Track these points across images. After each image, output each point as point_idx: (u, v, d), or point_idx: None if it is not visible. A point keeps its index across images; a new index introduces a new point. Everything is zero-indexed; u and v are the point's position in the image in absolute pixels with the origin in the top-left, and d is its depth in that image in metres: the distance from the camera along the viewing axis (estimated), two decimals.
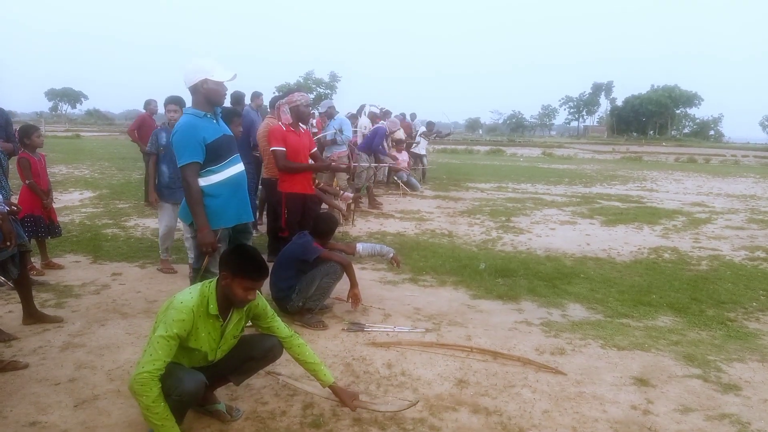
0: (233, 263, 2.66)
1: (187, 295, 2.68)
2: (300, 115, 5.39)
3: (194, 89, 3.64)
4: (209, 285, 2.75)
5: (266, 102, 8.68)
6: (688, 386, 3.50)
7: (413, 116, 18.06)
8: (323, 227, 4.61)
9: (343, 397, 2.93)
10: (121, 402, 3.10)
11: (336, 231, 4.59)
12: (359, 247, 4.90)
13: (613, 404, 3.25)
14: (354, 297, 4.50)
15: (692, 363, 3.84)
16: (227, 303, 2.74)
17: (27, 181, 5.45)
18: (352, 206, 8.08)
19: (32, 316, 4.20)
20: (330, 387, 2.93)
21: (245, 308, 2.85)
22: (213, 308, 2.70)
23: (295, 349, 2.95)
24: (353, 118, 12.06)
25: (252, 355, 2.94)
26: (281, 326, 2.99)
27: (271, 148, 5.31)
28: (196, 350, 2.70)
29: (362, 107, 12.58)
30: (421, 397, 3.25)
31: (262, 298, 2.97)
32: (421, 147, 14.62)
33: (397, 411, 3.01)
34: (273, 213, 6.13)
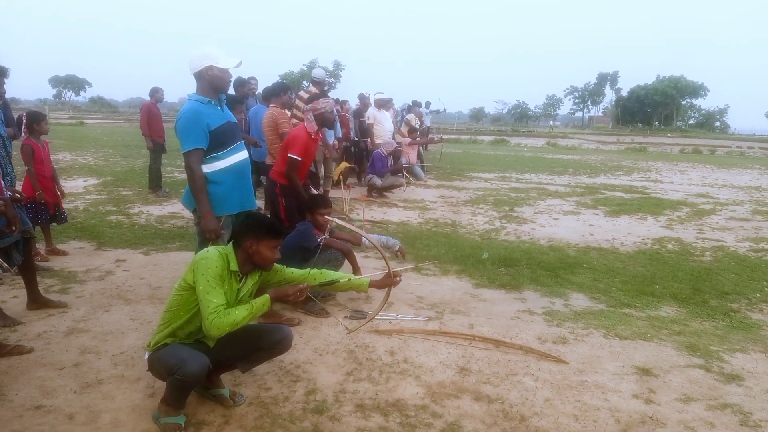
0: (255, 228, 2.79)
1: (206, 252, 2.77)
2: (325, 122, 5.28)
3: (199, 76, 3.62)
4: (226, 247, 2.84)
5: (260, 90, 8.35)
6: (690, 376, 3.51)
7: (428, 104, 17.96)
8: (307, 204, 4.63)
9: (384, 284, 3.13)
10: (125, 386, 3.12)
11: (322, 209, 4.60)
12: (364, 238, 4.89)
13: (614, 393, 3.26)
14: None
15: (694, 353, 3.84)
16: (245, 270, 2.85)
17: (27, 168, 5.45)
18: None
19: (37, 301, 4.22)
20: (371, 287, 3.11)
21: (258, 275, 2.94)
22: (233, 265, 2.79)
23: (318, 278, 3.05)
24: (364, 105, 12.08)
25: (260, 346, 2.97)
26: (293, 271, 3.07)
27: (290, 155, 5.11)
28: None
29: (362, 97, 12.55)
30: (423, 385, 3.26)
31: None
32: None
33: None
34: (272, 204, 6.11)
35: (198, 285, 2.65)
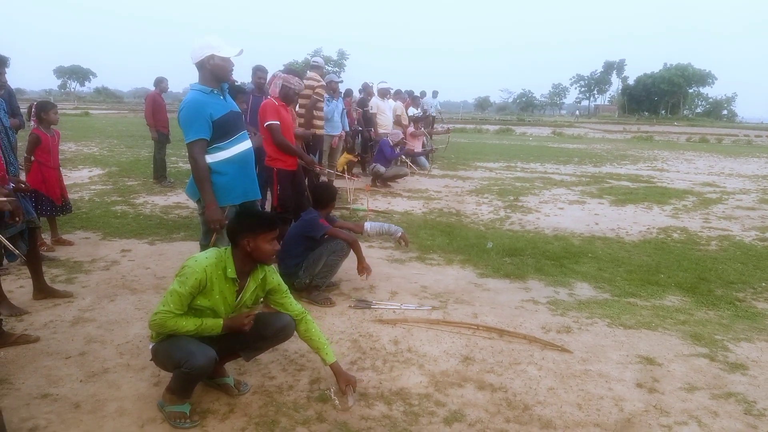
0: (250, 225, 2.76)
1: (203, 256, 2.76)
2: (287, 97, 5.37)
3: (200, 65, 3.61)
4: (226, 250, 2.82)
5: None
6: (694, 365, 3.50)
7: (435, 93, 17.76)
8: (321, 196, 4.62)
9: (339, 379, 2.98)
10: (130, 375, 3.14)
11: (336, 201, 4.57)
12: (367, 225, 4.89)
13: (618, 382, 3.26)
14: (363, 269, 4.46)
15: (699, 342, 3.83)
16: (246, 269, 2.83)
17: (25, 155, 5.45)
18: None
19: (43, 291, 4.25)
20: (330, 366, 2.98)
21: (261, 278, 2.90)
22: (231, 272, 2.76)
23: (302, 326, 3.01)
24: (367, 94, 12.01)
25: (264, 335, 2.96)
26: (293, 303, 3.04)
27: (267, 123, 5.18)
28: (206, 309, 2.73)
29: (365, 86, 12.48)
30: (427, 373, 3.27)
31: (277, 274, 3.02)
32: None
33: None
34: (269, 190, 6.12)
35: (173, 282, 2.67)
